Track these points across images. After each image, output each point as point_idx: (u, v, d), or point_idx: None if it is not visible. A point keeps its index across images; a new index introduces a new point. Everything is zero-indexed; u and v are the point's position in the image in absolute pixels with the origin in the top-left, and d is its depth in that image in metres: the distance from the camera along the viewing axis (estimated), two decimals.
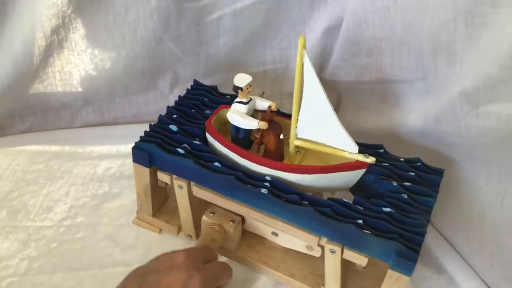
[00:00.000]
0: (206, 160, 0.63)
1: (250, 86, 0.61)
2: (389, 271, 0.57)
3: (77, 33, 0.76)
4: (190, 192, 0.65)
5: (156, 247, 0.70)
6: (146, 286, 0.53)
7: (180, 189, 0.65)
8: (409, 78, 0.71)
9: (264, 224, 0.63)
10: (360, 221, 0.57)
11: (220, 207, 0.67)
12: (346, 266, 0.64)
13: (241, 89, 0.61)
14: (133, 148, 0.64)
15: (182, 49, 0.80)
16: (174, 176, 0.65)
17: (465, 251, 0.70)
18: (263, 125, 0.61)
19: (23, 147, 0.82)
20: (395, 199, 0.60)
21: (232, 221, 0.66)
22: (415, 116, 0.70)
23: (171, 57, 0.80)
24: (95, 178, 0.79)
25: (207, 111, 0.69)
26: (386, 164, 0.64)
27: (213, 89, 0.73)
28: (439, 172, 0.64)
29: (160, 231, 0.72)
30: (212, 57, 0.82)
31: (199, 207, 0.67)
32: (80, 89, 0.82)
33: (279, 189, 0.60)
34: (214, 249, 0.63)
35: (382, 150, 0.66)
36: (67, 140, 0.83)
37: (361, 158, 0.58)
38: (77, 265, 0.67)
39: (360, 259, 0.58)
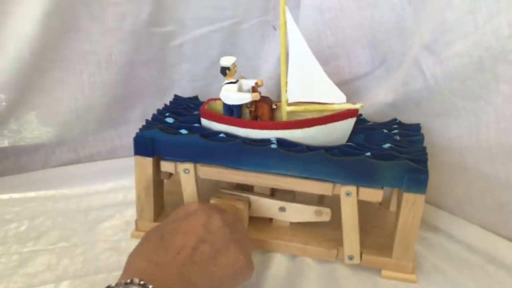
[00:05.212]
0: (211, 135, 0.65)
1: (236, 66, 0.67)
2: (405, 196, 0.60)
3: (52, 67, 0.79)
4: (196, 176, 0.66)
5: None
6: (167, 233, 0.53)
7: (187, 174, 0.65)
8: (367, 70, 0.81)
9: (277, 185, 0.64)
10: (369, 154, 0.61)
11: (226, 191, 0.68)
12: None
13: (229, 68, 0.66)
14: (135, 138, 0.65)
15: (150, 73, 0.85)
16: (178, 163, 0.65)
17: (452, 206, 0.75)
18: (256, 96, 0.65)
19: None
20: (390, 141, 0.65)
21: (240, 200, 0.67)
22: (383, 94, 0.78)
23: (140, 83, 0.85)
24: (80, 210, 0.75)
25: (196, 112, 0.72)
26: (370, 123, 0.71)
27: (195, 98, 0.78)
28: (416, 126, 0.71)
29: None
30: (175, 84, 0.88)
31: (203, 198, 0.68)
32: (54, 128, 0.83)
33: (286, 145, 0.63)
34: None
35: (362, 117, 0.73)
36: (42, 183, 0.80)
37: (350, 106, 0.64)
38: (83, 273, 0.62)
39: (375, 195, 0.61)
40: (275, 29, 0.90)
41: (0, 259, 0.64)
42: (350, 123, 0.64)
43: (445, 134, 0.74)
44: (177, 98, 0.78)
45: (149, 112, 0.87)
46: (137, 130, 0.85)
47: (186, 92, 0.87)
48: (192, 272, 0.49)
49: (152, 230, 0.55)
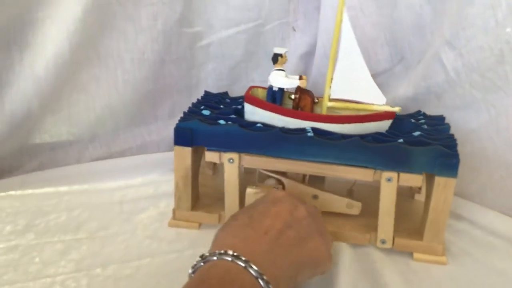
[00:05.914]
0: (249, 125, 0.67)
1: (286, 56, 0.70)
2: (437, 180, 0.63)
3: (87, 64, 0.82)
4: (239, 166, 0.68)
5: (200, 241, 0.68)
6: (256, 215, 0.55)
7: (231, 164, 0.67)
8: (386, 67, 0.85)
9: (320, 172, 0.67)
10: (401, 140, 0.64)
11: (265, 172, 0.71)
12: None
13: (281, 55, 0.69)
14: (175, 129, 0.67)
15: (179, 72, 0.88)
16: (223, 153, 0.67)
17: (474, 195, 0.79)
18: (303, 82, 0.69)
19: (32, 190, 0.79)
20: (419, 129, 0.69)
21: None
22: (403, 90, 0.82)
23: (170, 79, 0.88)
24: (114, 203, 0.77)
25: (227, 106, 0.75)
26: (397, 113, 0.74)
27: (225, 93, 0.80)
28: (440, 117, 0.75)
29: (199, 225, 0.72)
30: (201, 82, 0.91)
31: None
32: (88, 124, 0.85)
33: (321, 134, 0.66)
34: None
35: None
36: (76, 178, 0.82)
37: (389, 108, 0.67)
38: (127, 258, 0.64)
39: (415, 180, 0.64)
40: (294, 30, 0.93)
41: (45, 246, 0.66)
42: (386, 124, 0.67)
43: (466, 126, 0.77)
44: (207, 93, 0.81)
45: (177, 109, 0.90)
46: (166, 127, 0.89)
47: (211, 90, 0.89)
48: (278, 253, 0.50)
49: (240, 212, 0.58)
